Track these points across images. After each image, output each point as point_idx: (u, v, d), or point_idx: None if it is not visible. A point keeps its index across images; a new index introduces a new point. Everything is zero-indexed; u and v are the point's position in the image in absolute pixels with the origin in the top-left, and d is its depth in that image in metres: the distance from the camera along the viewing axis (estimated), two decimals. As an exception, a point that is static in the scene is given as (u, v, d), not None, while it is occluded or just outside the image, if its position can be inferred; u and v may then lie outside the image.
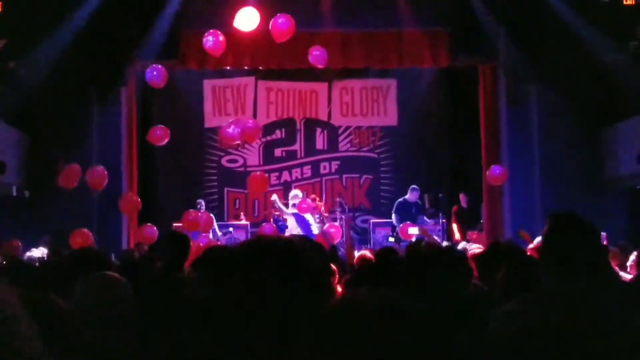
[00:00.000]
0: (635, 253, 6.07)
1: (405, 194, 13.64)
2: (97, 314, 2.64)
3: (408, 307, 1.52)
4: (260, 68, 13.20)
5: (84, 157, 11.93)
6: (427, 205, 13.39)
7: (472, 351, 2.29)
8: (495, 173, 11.47)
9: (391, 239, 11.94)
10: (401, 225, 11.86)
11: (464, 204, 12.62)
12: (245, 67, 13.25)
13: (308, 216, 11.91)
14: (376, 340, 1.44)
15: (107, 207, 11.22)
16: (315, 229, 11.72)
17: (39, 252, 8.63)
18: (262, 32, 12.39)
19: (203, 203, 12.36)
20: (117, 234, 11.89)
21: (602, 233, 5.58)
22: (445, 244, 10.03)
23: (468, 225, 12.30)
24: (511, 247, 4.13)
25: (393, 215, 12.41)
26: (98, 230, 11.51)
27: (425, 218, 12.51)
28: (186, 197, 12.38)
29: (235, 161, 14.39)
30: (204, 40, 10.49)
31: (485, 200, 12.72)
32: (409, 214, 12.28)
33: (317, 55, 11.11)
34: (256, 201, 14.33)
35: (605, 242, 7.14)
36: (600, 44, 11.20)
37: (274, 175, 14.38)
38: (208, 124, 14.34)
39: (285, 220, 12.29)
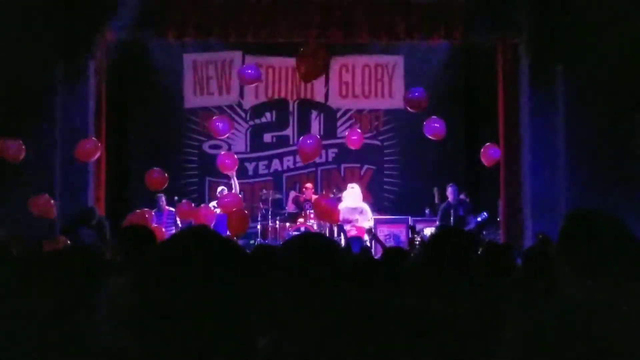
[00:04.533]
0: None
1: (412, 185, 13.81)
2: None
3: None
4: (249, 41, 13.18)
5: (46, 138, 12.02)
6: (436, 199, 13.50)
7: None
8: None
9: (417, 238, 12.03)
10: None
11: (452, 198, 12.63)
12: (231, 40, 13.17)
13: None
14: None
15: (72, 196, 11.36)
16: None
17: None
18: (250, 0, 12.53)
19: (164, 199, 12.46)
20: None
21: None
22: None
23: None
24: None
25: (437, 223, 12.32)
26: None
27: (477, 219, 12.27)
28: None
29: (218, 147, 14.35)
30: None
31: (502, 193, 12.79)
32: (455, 217, 12.08)
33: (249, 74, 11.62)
34: (242, 193, 14.44)
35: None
36: (636, 19, 11.24)
37: (262, 164, 14.48)
38: (188, 104, 14.42)
39: None
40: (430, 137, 12.09)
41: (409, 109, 11.86)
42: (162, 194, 12.25)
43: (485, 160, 12.11)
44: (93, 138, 11.56)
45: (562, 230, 2.54)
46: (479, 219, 11.99)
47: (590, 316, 2.18)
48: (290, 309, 2.11)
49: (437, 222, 12.26)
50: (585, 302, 2.27)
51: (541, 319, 2.23)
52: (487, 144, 12.35)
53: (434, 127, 11.96)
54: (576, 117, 12.09)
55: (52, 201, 10.77)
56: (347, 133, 13.16)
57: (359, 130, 13.11)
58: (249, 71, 11.94)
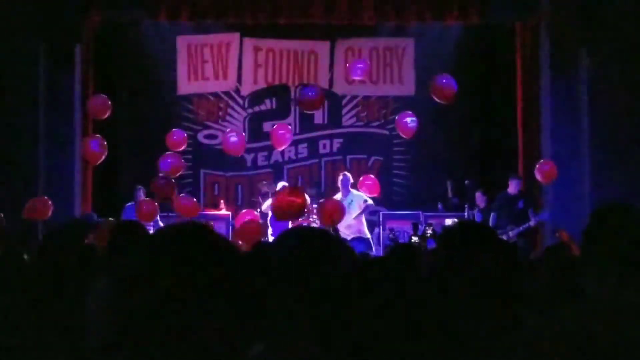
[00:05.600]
0: None
1: (424, 178, 13.65)
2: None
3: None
4: (247, 22, 13.11)
5: (30, 128, 11.96)
6: (449, 193, 13.38)
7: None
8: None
9: (414, 239, 11.77)
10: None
11: (481, 203, 12.40)
12: (229, 21, 13.19)
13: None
14: None
15: (58, 185, 11.36)
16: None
17: None
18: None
19: (142, 192, 12.29)
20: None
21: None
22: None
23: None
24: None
25: (491, 216, 11.88)
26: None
27: (538, 217, 11.74)
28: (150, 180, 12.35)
29: (214, 137, 14.31)
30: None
31: (522, 188, 12.67)
32: (514, 211, 11.68)
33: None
34: (239, 186, 14.34)
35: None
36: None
37: (261, 155, 14.36)
38: (182, 90, 14.32)
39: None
40: (401, 134, 12.08)
41: (435, 98, 11.57)
42: (141, 187, 12.12)
43: (541, 178, 11.60)
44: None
45: (587, 227, 2.51)
46: (539, 217, 11.62)
47: (618, 319, 2.16)
48: (287, 312, 2.08)
49: (493, 213, 11.89)
50: (613, 303, 2.24)
51: (565, 322, 2.22)
52: (542, 160, 11.83)
53: (404, 124, 11.86)
54: (600, 103, 12.00)
55: (49, 202, 10.64)
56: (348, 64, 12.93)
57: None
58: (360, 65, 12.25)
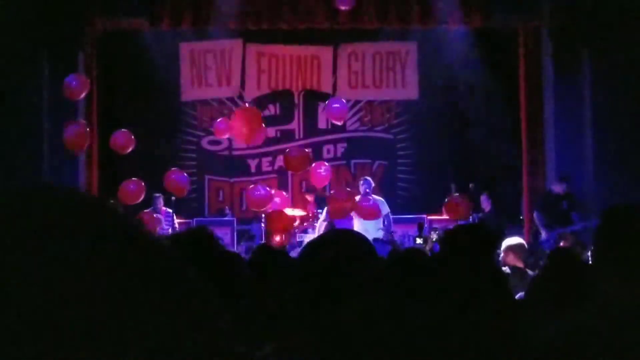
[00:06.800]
0: None
1: (428, 182, 13.62)
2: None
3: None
4: (250, 28, 13.13)
5: (33, 136, 11.97)
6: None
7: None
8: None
9: (419, 240, 11.69)
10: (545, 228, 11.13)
11: (486, 206, 12.40)
12: (231, 27, 13.20)
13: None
14: None
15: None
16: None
17: None
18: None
19: (161, 199, 12.22)
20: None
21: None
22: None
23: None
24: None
25: (534, 214, 11.72)
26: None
27: (584, 223, 11.09)
28: (157, 187, 12.33)
29: (218, 143, 14.30)
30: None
31: (526, 191, 12.73)
32: (557, 211, 11.29)
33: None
34: (244, 192, 14.30)
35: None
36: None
37: (266, 160, 14.35)
38: (185, 96, 14.34)
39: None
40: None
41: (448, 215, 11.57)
42: (160, 194, 12.05)
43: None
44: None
45: (598, 229, 2.49)
46: (587, 224, 11.10)
47: (629, 321, 2.14)
48: (298, 317, 2.08)
49: (536, 212, 11.62)
50: (628, 306, 2.20)
51: (577, 326, 2.20)
52: None
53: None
54: (604, 105, 11.98)
55: None
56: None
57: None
58: None
